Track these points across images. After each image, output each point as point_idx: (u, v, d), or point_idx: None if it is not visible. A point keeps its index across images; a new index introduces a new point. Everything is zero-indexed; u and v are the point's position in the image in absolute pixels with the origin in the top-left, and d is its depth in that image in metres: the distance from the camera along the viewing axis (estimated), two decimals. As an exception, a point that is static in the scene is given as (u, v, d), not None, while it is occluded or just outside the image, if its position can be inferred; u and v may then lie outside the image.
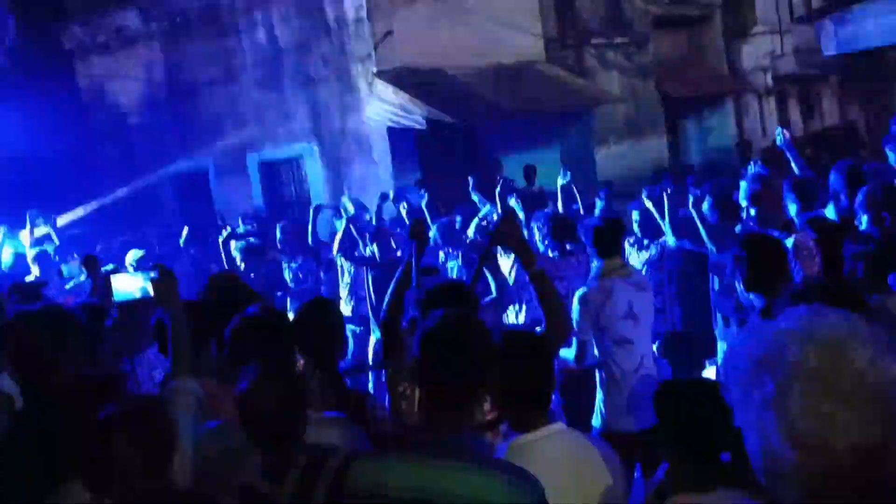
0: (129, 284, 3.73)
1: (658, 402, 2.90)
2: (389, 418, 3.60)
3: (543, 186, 10.37)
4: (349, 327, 7.59)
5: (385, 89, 12.64)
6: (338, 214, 8.76)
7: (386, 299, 3.53)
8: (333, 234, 8.40)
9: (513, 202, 7.80)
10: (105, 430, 2.52)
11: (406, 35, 12.73)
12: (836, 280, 3.85)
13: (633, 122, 16.04)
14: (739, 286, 3.70)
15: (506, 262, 6.98)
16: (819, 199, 6.20)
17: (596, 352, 5.08)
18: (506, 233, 3.62)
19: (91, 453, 2.51)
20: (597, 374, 5.11)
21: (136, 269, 5.09)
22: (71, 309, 3.86)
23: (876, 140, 9.13)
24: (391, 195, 9.54)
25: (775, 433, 1.40)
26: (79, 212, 10.44)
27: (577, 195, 8.55)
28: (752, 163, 8.04)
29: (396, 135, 12.79)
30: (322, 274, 8.38)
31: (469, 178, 7.50)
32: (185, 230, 8.95)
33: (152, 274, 3.54)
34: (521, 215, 7.09)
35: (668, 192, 6.55)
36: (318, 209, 9.00)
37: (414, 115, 12.32)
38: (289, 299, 8.19)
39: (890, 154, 7.54)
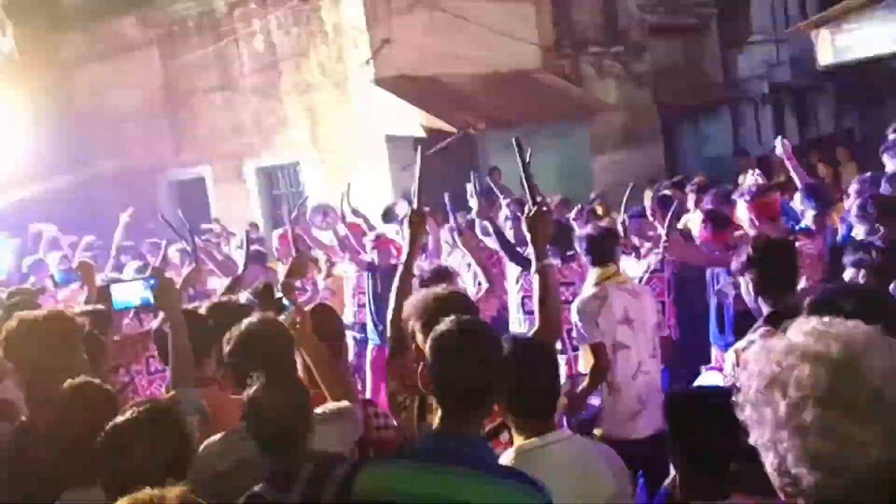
0: (128, 293, 3.72)
1: (668, 411, 2.90)
2: (390, 425, 3.61)
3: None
4: (350, 333, 7.60)
5: (383, 97, 12.66)
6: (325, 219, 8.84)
7: (390, 304, 3.50)
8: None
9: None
10: (122, 435, 2.52)
11: (404, 43, 12.76)
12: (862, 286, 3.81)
13: (629, 130, 16.08)
14: (749, 292, 3.68)
15: (512, 273, 6.98)
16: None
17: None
18: (537, 220, 3.49)
19: (108, 459, 2.51)
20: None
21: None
22: (75, 316, 3.85)
23: (871, 149, 9.17)
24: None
25: (790, 452, 1.38)
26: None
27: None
28: (750, 171, 8.08)
29: (395, 142, 12.80)
30: (322, 279, 8.37)
31: (467, 185, 7.49)
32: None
33: (152, 281, 3.53)
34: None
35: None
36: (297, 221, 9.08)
37: (412, 122, 12.34)
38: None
39: (887, 162, 7.59)
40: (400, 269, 3.52)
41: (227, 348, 3.36)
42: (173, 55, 14.82)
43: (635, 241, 7.03)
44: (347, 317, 8.15)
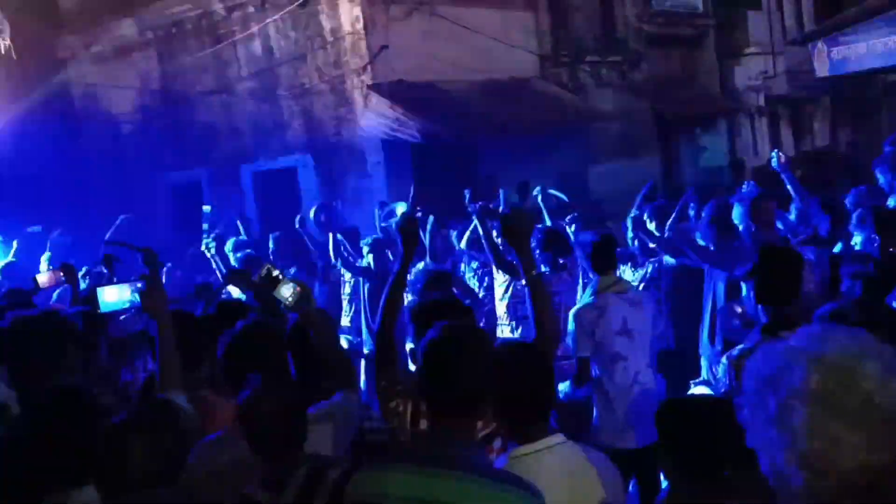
0: (116, 296, 3.69)
1: (659, 421, 2.90)
2: (383, 428, 3.59)
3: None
4: (345, 338, 7.58)
5: (380, 102, 12.65)
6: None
7: (379, 310, 3.48)
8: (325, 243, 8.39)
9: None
10: (119, 434, 2.51)
11: (401, 49, 12.76)
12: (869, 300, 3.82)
13: (626, 140, 16.08)
14: (750, 298, 3.69)
15: (500, 280, 6.97)
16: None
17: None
18: (516, 225, 3.48)
19: (104, 458, 2.50)
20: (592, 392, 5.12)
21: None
22: (68, 316, 3.84)
23: (866, 162, 9.20)
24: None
25: (780, 452, 1.39)
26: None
27: (546, 213, 8.28)
28: (745, 183, 8.09)
29: (391, 148, 12.79)
30: (318, 285, 8.35)
31: (465, 191, 7.49)
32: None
33: (139, 284, 3.51)
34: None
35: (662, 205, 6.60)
36: (303, 221, 9.06)
37: (409, 128, 12.34)
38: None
39: (880, 176, 7.62)
40: (391, 278, 3.49)
41: (221, 350, 3.35)
42: (171, 57, 14.80)
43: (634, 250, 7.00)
44: (343, 321, 8.15)
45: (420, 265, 7.03)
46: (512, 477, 2.40)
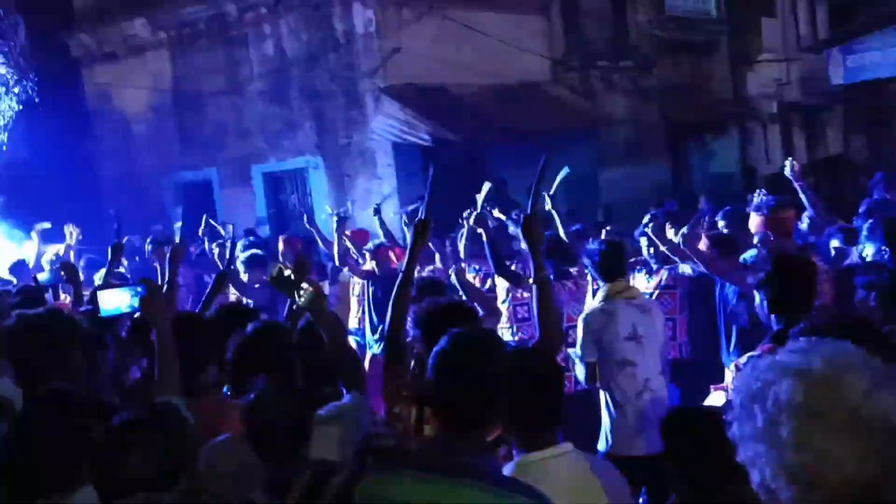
0: (116, 300, 3.66)
1: (664, 431, 2.87)
2: (389, 433, 3.56)
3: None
4: (354, 339, 7.59)
5: (391, 105, 12.66)
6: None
7: (388, 313, 3.44)
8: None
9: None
10: (120, 436, 2.49)
11: (413, 52, 12.76)
12: (851, 314, 3.79)
13: (636, 145, 16.05)
14: (763, 307, 3.65)
15: (502, 284, 6.93)
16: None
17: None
18: (532, 226, 3.50)
19: (105, 460, 2.48)
20: (601, 397, 5.09)
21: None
22: (73, 314, 3.82)
23: (880, 170, 9.14)
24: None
25: (767, 467, 1.39)
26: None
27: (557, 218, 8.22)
28: (757, 191, 8.03)
29: (401, 151, 12.79)
30: (328, 286, 8.35)
31: (476, 195, 7.47)
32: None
33: (139, 289, 3.48)
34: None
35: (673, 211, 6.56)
36: (311, 220, 9.08)
37: (419, 131, 12.34)
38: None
39: (876, 193, 7.57)
40: (399, 278, 3.46)
41: (230, 353, 3.33)
42: (183, 57, 14.84)
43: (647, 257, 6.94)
44: (352, 322, 8.14)
45: (429, 267, 7.02)
46: (522, 485, 2.36)
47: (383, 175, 12.97)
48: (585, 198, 12.96)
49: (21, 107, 13.10)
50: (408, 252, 3.54)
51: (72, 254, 8.38)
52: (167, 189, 15.39)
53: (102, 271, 7.14)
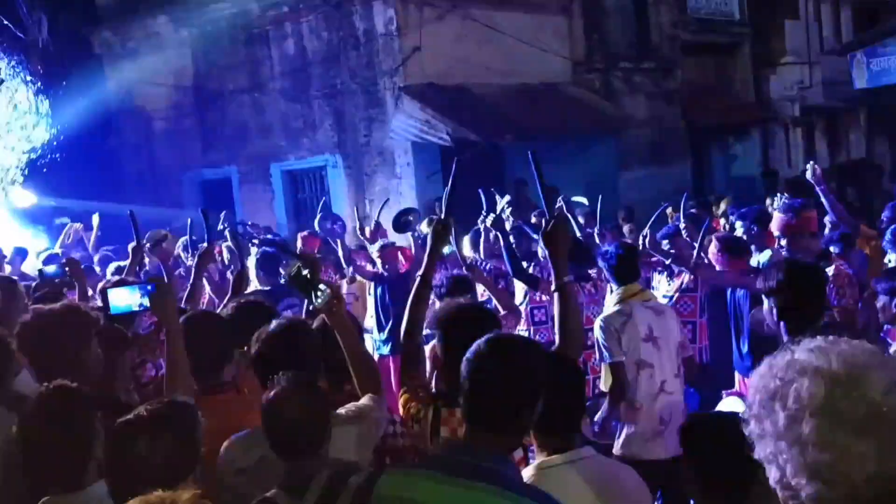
0: (126, 298, 3.64)
1: (684, 437, 2.84)
2: (405, 434, 3.54)
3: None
4: (369, 338, 7.60)
5: (411, 104, 12.65)
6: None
7: (406, 314, 3.41)
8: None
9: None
10: (130, 433, 2.48)
11: (434, 51, 12.75)
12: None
13: (657, 147, 15.96)
14: (772, 314, 3.61)
15: (520, 286, 6.91)
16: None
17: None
18: (556, 234, 3.37)
19: (115, 457, 2.47)
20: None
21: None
22: (89, 311, 3.81)
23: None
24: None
25: (789, 464, 1.40)
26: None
27: (575, 224, 8.21)
28: (778, 193, 7.96)
29: (421, 150, 12.78)
30: (346, 284, 8.35)
31: (497, 197, 7.47)
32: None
33: (149, 287, 3.46)
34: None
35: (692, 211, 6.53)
36: (324, 220, 9.11)
37: (439, 131, 12.31)
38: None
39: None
40: (417, 280, 3.42)
41: (254, 348, 3.31)
42: (204, 55, 14.89)
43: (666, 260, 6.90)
44: (368, 322, 8.13)
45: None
46: (541, 494, 2.34)
47: (402, 174, 12.96)
48: (606, 199, 12.89)
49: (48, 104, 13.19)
50: (427, 254, 3.49)
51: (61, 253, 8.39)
52: (187, 186, 15.46)
53: (113, 266, 7.18)
